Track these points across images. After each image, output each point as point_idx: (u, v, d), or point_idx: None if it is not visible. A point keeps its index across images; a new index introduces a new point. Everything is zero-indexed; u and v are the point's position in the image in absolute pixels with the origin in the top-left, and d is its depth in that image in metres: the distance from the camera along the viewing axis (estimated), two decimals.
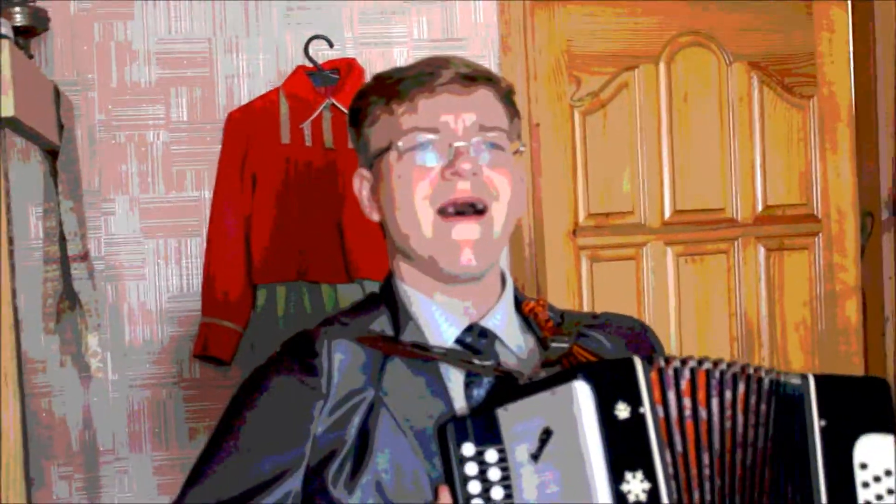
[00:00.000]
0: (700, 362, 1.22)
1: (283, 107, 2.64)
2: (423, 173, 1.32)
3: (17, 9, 2.31)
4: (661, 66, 2.97)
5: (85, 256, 2.37)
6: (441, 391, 1.30)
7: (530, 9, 2.85)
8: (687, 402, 1.20)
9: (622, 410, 1.14)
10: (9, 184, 1.74)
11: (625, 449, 1.14)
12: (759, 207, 3.05)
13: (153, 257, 2.69)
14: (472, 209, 1.31)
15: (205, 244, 2.68)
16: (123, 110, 2.67)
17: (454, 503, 1.19)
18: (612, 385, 1.15)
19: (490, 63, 2.80)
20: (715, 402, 1.22)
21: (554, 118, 2.89)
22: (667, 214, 2.98)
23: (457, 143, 1.31)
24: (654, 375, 1.19)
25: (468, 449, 1.19)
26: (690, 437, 1.19)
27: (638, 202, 2.97)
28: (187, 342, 2.69)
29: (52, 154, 2.28)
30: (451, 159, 1.31)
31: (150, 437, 2.67)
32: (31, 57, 2.37)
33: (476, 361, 1.30)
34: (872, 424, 1.26)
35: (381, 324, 1.37)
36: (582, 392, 1.14)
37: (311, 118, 2.63)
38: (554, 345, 1.33)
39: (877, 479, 1.25)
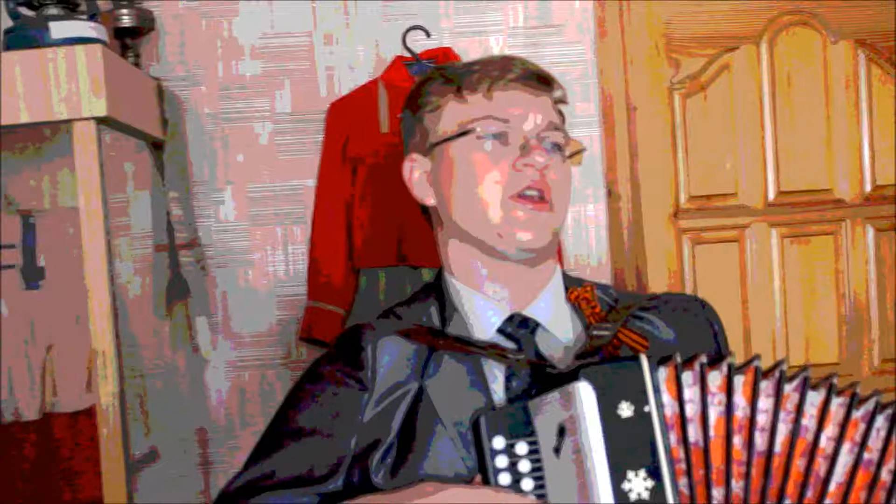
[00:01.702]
0: (751, 361, 1.21)
1: (382, 96, 2.71)
2: (495, 160, 1.37)
3: (124, 11, 2.44)
4: (763, 47, 2.94)
5: (192, 244, 2.48)
6: (481, 384, 1.33)
7: None
8: (720, 397, 1.19)
9: (625, 409, 1.15)
10: (104, 178, 1.84)
11: (627, 448, 1.14)
12: (868, 187, 2.98)
13: (261, 244, 2.80)
14: (540, 197, 1.35)
15: (309, 230, 2.78)
16: (231, 103, 2.78)
17: None
18: (614, 384, 1.16)
19: (586, 49, 2.82)
20: (767, 401, 1.20)
21: (653, 102, 2.89)
22: (770, 196, 2.95)
23: (530, 136, 1.36)
24: (669, 372, 1.19)
25: (499, 442, 1.21)
26: (720, 432, 1.19)
27: (740, 184, 2.94)
28: (294, 325, 2.79)
29: (158, 147, 2.39)
30: (525, 151, 1.35)
31: (259, 416, 2.78)
32: (138, 56, 2.49)
33: (510, 354, 1.33)
34: None
35: (429, 316, 1.42)
36: (585, 392, 1.15)
37: None
38: (595, 333, 1.35)
39: None
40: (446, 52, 2.74)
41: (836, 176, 2.97)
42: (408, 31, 2.72)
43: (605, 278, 2.81)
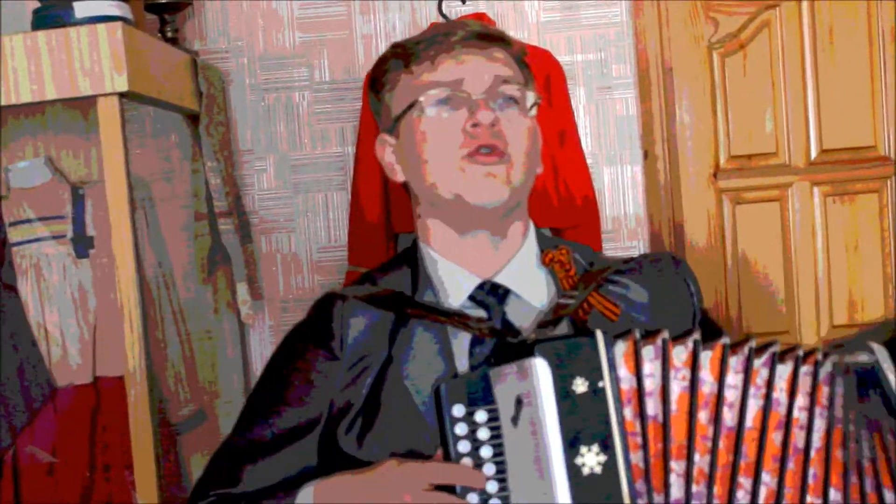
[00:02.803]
0: (745, 341, 1.21)
1: None
2: (447, 125, 1.37)
3: None
4: (804, 2, 2.90)
5: (230, 212, 2.55)
6: (446, 352, 1.35)
7: None
8: (685, 372, 1.19)
9: (580, 385, 1.16)
10: (128, 152, 1.91)
11: (580, 423, 1.15)
12: None
13: (302, 210, 2.87)
14: (495, 150, 1.35)
15: (349, 197, 2.83)
16: (271, 73, 2.85)
17: (446, 460, 1.22)
18: (569, 360, 1.16)
19: (622, 10, 2.81)
20: (735, 377, 1.20)
21: (691, 61, 2.88)
22: (813, 154, 2.92)
23: (475, 96, 1.37)
24: (628, 346, 1.19)
25: (458, 409, 1.21)
26: (682, 407, 1.19)
27: (782, 143, 2.92)
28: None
29: (194, 119, 2.45)
30: (472, 112, 1.36)
31: None
32: (176, 31, 2.56)
33: (471, 322, 1.34)
34: None
35: (401, 283, 1.44)
36: (540, 368, 1.16)
37: None
38: (560, 301, 1.35)
39: None
40: (481, 18, 2.75)
41: (881, 132, 2.93)
42: None
43: (643, 241, 2.83)
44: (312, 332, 1.41)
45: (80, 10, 1.90)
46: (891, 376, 1.19)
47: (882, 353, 1.21)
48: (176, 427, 2.69)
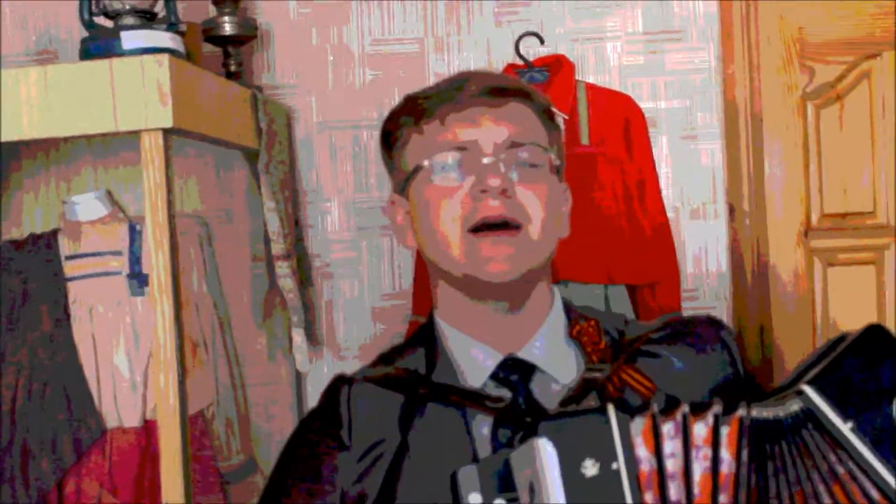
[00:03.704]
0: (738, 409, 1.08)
1: None
2: (452, 193, 1.25)
3: (226, 19, 2.42)
4: None
5: (289, 255, 2.45)
6: (466, 435, 1.23)
7: None
8: (706, 451, 1.07)
9: (590, 468, 1.04)
10: (172, 189, 1.81)
11: None
12: None
13: (367, 255, 2.75)
14: (505, 226, 1.23)
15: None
16: (340, 111, 2.74)
17: None
18: (577, 440, 1.05)
19: (709, 55, 2.65)
20: (744, 453, 1.09)
21: (783, 112, 2.71)
22: None
23: (485, 160, 1.24)
24: (646, 424, 1.06)
25: (475, 498, 1.10)
26: (704, 490, 1.07)
27: (880, 201, 2.72)
28: (398, 339, 2.72)
29: (255, 156, 2.36)
30: (480, 177, 1.23)
31: None
32: (240, 64, 2.47)
33: (489, 403, 1.22)
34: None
35: (416, 362, 1.31)
36: (544, 449, 1.05)
37: None
38: (586, 376, 1.23)
39: None
40: (559, 60, 2.63)
41: None
42: (521, 37, 2.62)
43: (727, 301, 2.65)
44: (321, 421, 1.29)
45: (126, 41, 1.82)
46: (828, 412, 1.09)
47: (814, 394, 1.10)
48: (225, 477, 2.58)
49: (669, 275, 2.62)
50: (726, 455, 1.08)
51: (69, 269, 2.57)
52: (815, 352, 1.16)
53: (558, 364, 1.28)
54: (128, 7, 1.87)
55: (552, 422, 1.07)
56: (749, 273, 2.67)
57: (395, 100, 2.65)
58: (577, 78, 2.62)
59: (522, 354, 1.28)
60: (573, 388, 1.22)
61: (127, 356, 2.53)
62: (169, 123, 1.76)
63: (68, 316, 2.54)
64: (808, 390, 1.10)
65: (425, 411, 1.25)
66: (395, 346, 1.39)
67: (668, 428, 1.08)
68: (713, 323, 1.34)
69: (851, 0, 2.71)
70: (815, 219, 2.73)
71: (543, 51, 2.65)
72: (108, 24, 1.89)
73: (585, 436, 1.05)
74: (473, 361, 1.29)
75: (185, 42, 2.19)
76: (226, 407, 2.59)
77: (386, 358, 1.36)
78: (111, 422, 2.53)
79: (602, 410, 1.06)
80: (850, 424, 1.09)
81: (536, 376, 1.27)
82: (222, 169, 2.64)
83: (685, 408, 1.08)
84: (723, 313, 2.63)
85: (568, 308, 1.35)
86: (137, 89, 1.76)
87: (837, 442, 1.09)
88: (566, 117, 2.57)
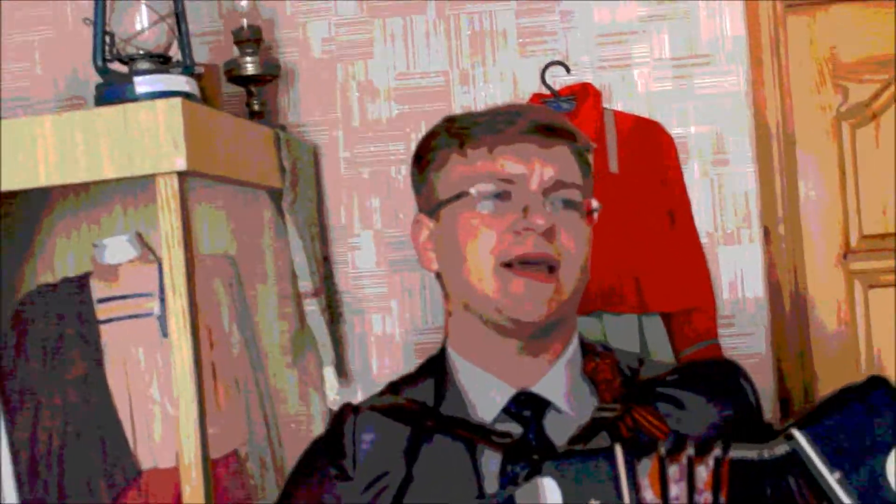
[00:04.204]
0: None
1: None
2: (493, 224, 1.25)
3: (248, 59, 2.42)
4: None
5: (317, 293, 2.43)
6: (471, 470, 1.21)
7: (781, 17, 2.63)
8: (707, 496, 1.05)
9: None
10: (188, 231, 1.80)
11: None
12: None
13: (398, 291, 2.73)
14: (544, 265, 1.22)
15: None
16: (366, 147, 2.73)
17: None
18: (582, 480, 1.03)
19: (738, 77, 2.61)
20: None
21: (817, 133, 2.65)
22: None
23: (532, 197, 1.23)
24: (652, 465, 1.04)
25: None
26: None
27: None
28: None
29: (279, 196, 2.35)
30: (526, 213, 1.22)
31: None
32: (263, 103, 2.47)
33: (495, 438, 1.20)
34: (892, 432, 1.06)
35: (424, 393, 1.30)
36: (548, 489, 1.03)
37: None
38: (596, 415, 1.20)
39: None
40: (585, 88, 2.60)
41: None
42: (546, 66, 2.60)
43: (764, 327, 2.59)
44: (325, 449, 1.28)
45: (140, 86, 1.82)
46: (815, 459, 1.07)
47: (803, 439, 1.08)
48: None
49: (705, 301, 2.58)
50: (722, 499, 1.05)
51: (102, 311, 2.58)
52: (823, 398, 1.13)
53: (572, 401, 1.27)
54: (142, 52, 1.87)
55: (558, 461, 1.05)
56: (787, 298, 2.61)
57: (422, 134, 2.64)
58: (604, 106, 2.60)
59: (537, 390, 1.27)
60: (584, 425, 1.19)
61: (160, 397, 2.53)
62: (183, 167, 1.76)
63: (102, 358, 2.56)
64: (798, 434, 1.07)
65: (432, 444, 1.23)
66: (404, 375, 1.38)
67: (673, 471, 1.05)
68: (730, 367, 1.32)
69: (883, 18, 2.65)
70: (853, 240, 2.66)
71: (569, 80, 2.62)
72: (124, 69, 1.89)
73: (591, 477, 1.04)
74: (486, 395, 1.27)
75: (204, 83, 2.20)
76: (259, 446, 2.58)
77: (395, 387, 1.35)
78: (146, 463, 2.53)
79: (609, 451, 1.04)
80: (837, 475, 1.05)
81: (550, 412, 1.26)
82: (252, 207, 2.64)
83: (690, 450, 1.05)
84: (760, 340, 2.57)
85: (584, 344, 1.33)
86: (151, 134, 1.76)
87: (822, 491, 1.05)
88: (595, 146, 2.53)
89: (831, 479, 1.05)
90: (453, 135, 1.31)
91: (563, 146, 1.30)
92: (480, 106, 2.69)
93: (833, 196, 2.65)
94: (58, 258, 2.74)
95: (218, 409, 2.54)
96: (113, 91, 1.83)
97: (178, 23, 1.94)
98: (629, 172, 2.54)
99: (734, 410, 1.26)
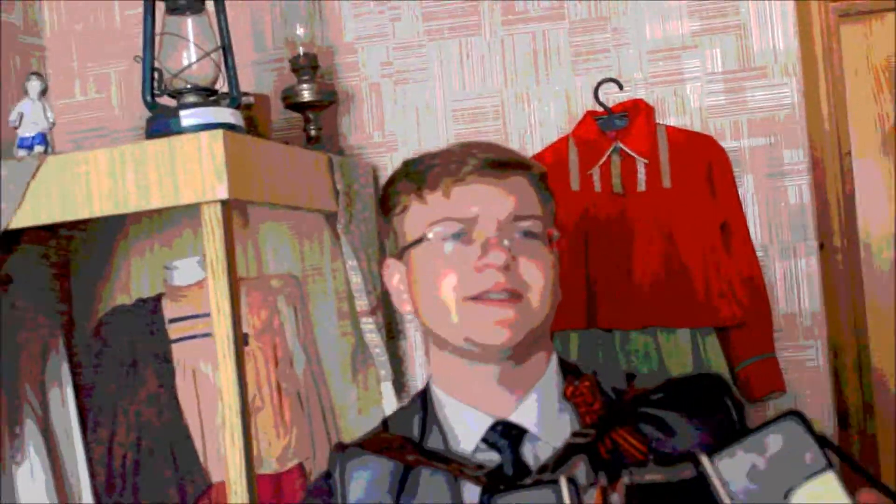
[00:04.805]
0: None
1: (573, 153, 2.63)
2: (454, 264, 1.29)
3: (304, 87, 2.51)
4: None
5: (374, 311, 2.50)
6: (449, 501, 1.25)
7: (835, 27, 2.62)
8: None
9: None
10: (233, 257, 1.89)
11: None
12: None
13: None
14: (507, 296, 1.26)
15: None
16: None
17: None
18: None
19: (792, 89, 2.61)
20: None
21: (874, 143, 2.64)
22: None
23: (489, 233, 1.28)
24: (597, 497, 1.07)
25: None
26: None
27: None
28: None
29: (335, 217, 2.43)
30: (484, 251, 1.27)
31: None
32: (319, 129, 2.55)
33: (467, 470, 1.24)
34: (802, 469, 1.07)
35: (410, 427, 1.35)
36: None
37: (599, 164, 2.60)
38: (571, 440, 1.23)
39: None
40: (637, 104, 2.63)
41: None
42: (599, 84, 2.63)
43: (821, 339, 2.57)
44: (319, 489, 1.35)
45: (185, 119, 1.91)
46: (717, 486, 1.07)
47: (707, 464, 1.09)
48: None
49: (760, 315, 2.57)
50: None
51: (173, 331, 2.70)
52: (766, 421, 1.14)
53: (549, 427, 1.30)
54: (189, 86, 1.96)
55: (506, 495, 1.08)
56: (844, 310, 2.60)
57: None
58: (657, 121, 2.62)
59: (513, 418, 1.30)
60: (556, 452, 1.23)
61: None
62: (225, 195, 1.84)
63: (173, 376, 2.67)
64: (703, 459, 1.09)
65: (417, 478, 1.27)
66: (396, 410, 1.43)
67: (614, 499, 1.07)
68: (714, 382, 1.33)
69: None
70: None
71: (623, 96, 2.65)
72: (174, 102, 1.99)
73: None
74: (465, 426, 1.32)
75: (255, 113, 2.30)
76: (322, 461, 2.66)
77: (385, 423, 1.40)
78: (216, 476, 2.62)
79: (555, 482, 1.07)
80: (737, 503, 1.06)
81: (527, 439, 1.29)
82: (315, 227, 2.73)
83: (625, 478, 1.08)
84: (818, 353, 2.56)
85: (565, 366, 1.37)
86: (195, 164, 1.85)
87: None
88: (647, 161, 2.56)
89: None
90: (411, 179, 1.36)
91: (518, 177, 1.33)
92: (536, 125, 2.74)
93: (890, 206, 2.64)
94: (133, 279, 2.87)
95: (283, 425, 2.64)
96: (161, 124, 1.93)
97: (224, 56, 2.02)
98: (682, 187, 2.55)
99: (715, 427, 1.27)
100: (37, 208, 1.91)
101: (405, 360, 2.77)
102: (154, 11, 1.97)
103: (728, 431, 1.26)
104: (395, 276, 1.40)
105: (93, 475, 2.65)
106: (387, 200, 1.40)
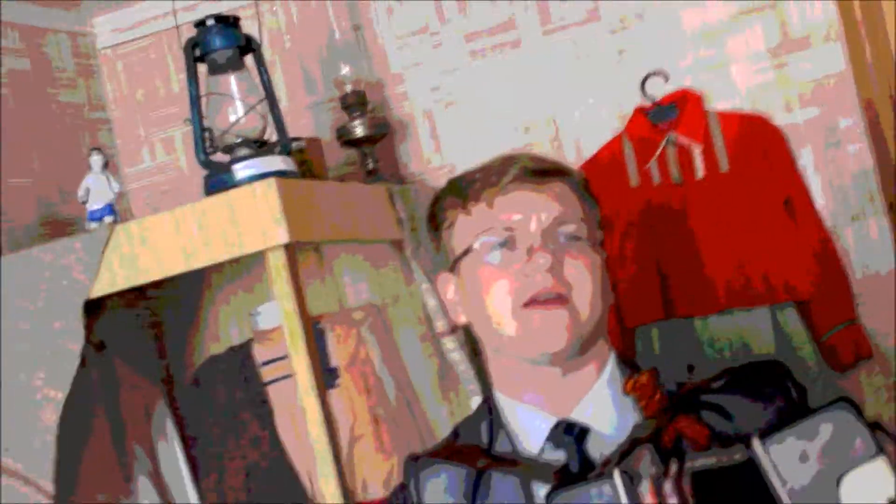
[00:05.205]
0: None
1: (628, 150, 2.67)
2: (502, 273, 1.34)
3: (357, 122, 2.59)
4: None
5: (453, 330, 2.56)
6: (521, 502, 1.29)
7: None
8: None
9: None
10: (303, 298, 1.96)
11: None
12: None
13: None
14: (556, 297, 1.31)
15: None
16: None
17: None
18: None
19: (837, 57, 2.60)
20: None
21: None
22: None
23: (532, 239, 1.33)
24: (650, 485, 1.11)
25: None
26: None
27: None
28: None
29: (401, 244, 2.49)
30: (529, 256, 1.32)
31: None
32: (377, 161, 2.63)
33: (535, 470, 1.28)
34: (853, 455, 1.09)
35: (479, 434, 1.40)
36: None
37: (655, 156, 2.62)
38: (633, 435, 1.26)
39: None
40: (685, 93, 2.65)
41: None
42: (645, 78, 2.66)
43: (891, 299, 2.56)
44: (400, 498, 1.40)
45: (238, 172, 2.00)
46: (769, 469, 1.11)
47: (759, 447, 1.12)
48: None
49: (837, 284, 2.58)
50: None
51: (266, 373, 2.79)
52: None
53: (611, 422, 1.35)
54: (240, 139, 2.05)
55: (565, 491, 1.13)
56: None
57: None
58: (707, 108, 2.63)
59: (575, 416, 1.35)
60: (621, 446, 1.25)
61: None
62: (286, 239, 1.91)
63: (272, 417, 2.76)
64: (756, 442, 1.11)
65: (490, 482, 1.32)
66: (464, 419, 1.48)
67: (668, 486, 1.11)
68: (772, 367, 1.36)
69: None
70: None
71: (670, 88, 2.67)
72: (227, 157, 2.08)
73: (594, 503, 1.11)
74: (529, 428, 1.37)
75: (308, 156, 2.38)
76: None
77: (456, 432, 1.45)
78: None
79: (610, 477, 1.11)
80: (788, 487, 1.09)
81: (591, 436, 1.33)
82: (389, 255, 2.79)
83: (673, 466, 1.12)
84: (892, 318, 2.54)
85: (624, 362, 1.40)
86: (254, 214, 1.93)
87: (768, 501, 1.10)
88: (702, 148, 2.58)
89: (782, 491, 1.10)
90: (455, 195, 1.42)
91: (558, 183, 1.38)
92: (588, 128, 2.77)
93: None
94: (221, 328, 2.97)
95: (384, 450, 2.71)
96: (217, 181, 2.01)
97: (270, 106, 2.10)
98: (741, 169, 2.57)
99: (775, 411, 1.29)
100: (113, 275, 2.00)
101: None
102: (196, 74, 2.05)
103: (789, 415, 1.27)
104: (449, 289, 1.45)
105: None
106: (434, 217, 1.47)
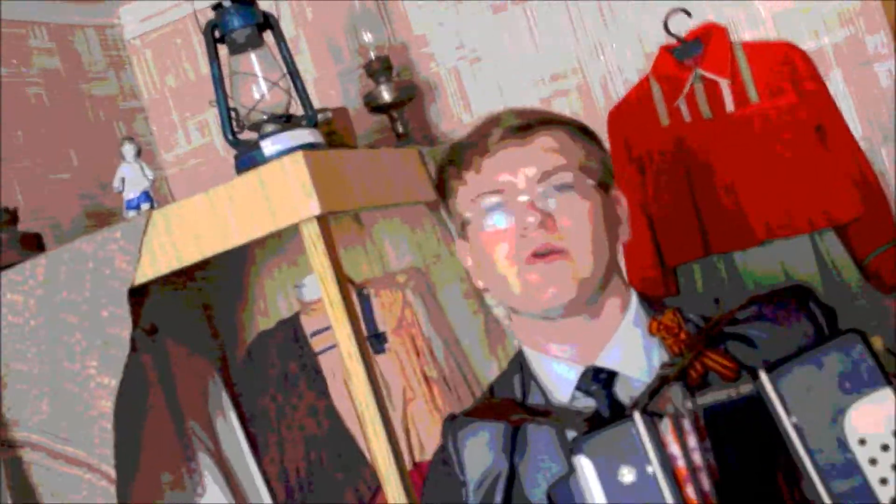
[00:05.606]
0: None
1: (656, 90, 2.65)
2: (500, 236, 1.35)
3: (383, 87, 2.60)
4: None
5: None
6: (562, 452, 1.30)
7: None
8: (708, 443, 1.12)
9: (626, 474, 1.10)
10: (340, 266, 1.99)
11: None
12: None
13: None
14: (554, 251, 1.31)
15: None
16: None
17: None
18: (612, 450, 1.10)
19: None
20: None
21: None
22: None
23: (521, 197, 1.33)
24: (669, 422, 1.11)
25: None
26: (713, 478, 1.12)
27: None
28: None
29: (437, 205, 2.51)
30: (519, 215, 1.32)
31: None
32: (406, 125, 2.64)
33: (565, 419, 1.30)
34: (859, 386, 1.09)
35: (512, 389, 1.41)
36: (585, 465, 1.11)
37: (684, 94, 2.61)
38: (660, 372, 1.27)
39: (885, 447, 1.07)
40: (708, 28, 2.63)
41: None
42: (668, 16, 2.64)
43: None
44: (439, 460, 1.42)
45: (267, 148, 2.01)
46: (775, 402, 1.11)
47: (766, 381, 1.12)
48: None
49: (876, 205, 2.55)
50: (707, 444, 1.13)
51: (315, 343, 2.83)
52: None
53: (637, 365, 1.35)
54: (266, 116, 2.06)
55: (587, 438, 1.14)
56: None
57: (567, 111, 2.72)
58: (731, 40, 2.61)
59: (601, 362, 1.35)
60: (648, 386, 1.27)
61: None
62: (317, 210, 1.93)
63: (326, 386, 2.80)
64: (762, 376, 1.11)
65: (526, 435, 1.34)
66: (499, 375, 1.49)
67: (686, 424, 1.13)
68: (797, 292, 1.36)
69: None
70: None
71: (693, 23, 2.65)
72: (255, 134, 2.10)
73: (619, 445, 1.12)
74: (557, 378, 1.37)
75: (335, 126, 2.39)
76: None
77: (491, 389, 1.47)
78: None
79: (630, 418, 1.12)
80: (794, 419, 1.10)
81: (619, 380, 1.34)
82: (425, 217, 2.81)
83: (688, 403, 1.14)
84: None
85: (648, 302, 1.41)
86: (285, 188, 1.95)
87: (778, 432, 1.11)
88: (730, 81, 2.56)
89: (787, 422, 1.10)
90: (452, 163, 1.42)
91: (545, 135, 1.37)
92: (616, 72, 2.77)
93: None
94: (269, 302, 3.01)
95: (437, 410, 2.74)
96: (246, 159, 2.03)
97: (293, 80, 2.12)
98: (770, 98, 2.55)
99: (803, 335, 1.29)
100: (155, 261, 2.04)
101: None
102: (217, 56, 2.07)
103: (814, 341, 1.26)
104: (466, 256, 1.46)
105: (271, 492, 2.80)
106: (441, 186, 1.47)
